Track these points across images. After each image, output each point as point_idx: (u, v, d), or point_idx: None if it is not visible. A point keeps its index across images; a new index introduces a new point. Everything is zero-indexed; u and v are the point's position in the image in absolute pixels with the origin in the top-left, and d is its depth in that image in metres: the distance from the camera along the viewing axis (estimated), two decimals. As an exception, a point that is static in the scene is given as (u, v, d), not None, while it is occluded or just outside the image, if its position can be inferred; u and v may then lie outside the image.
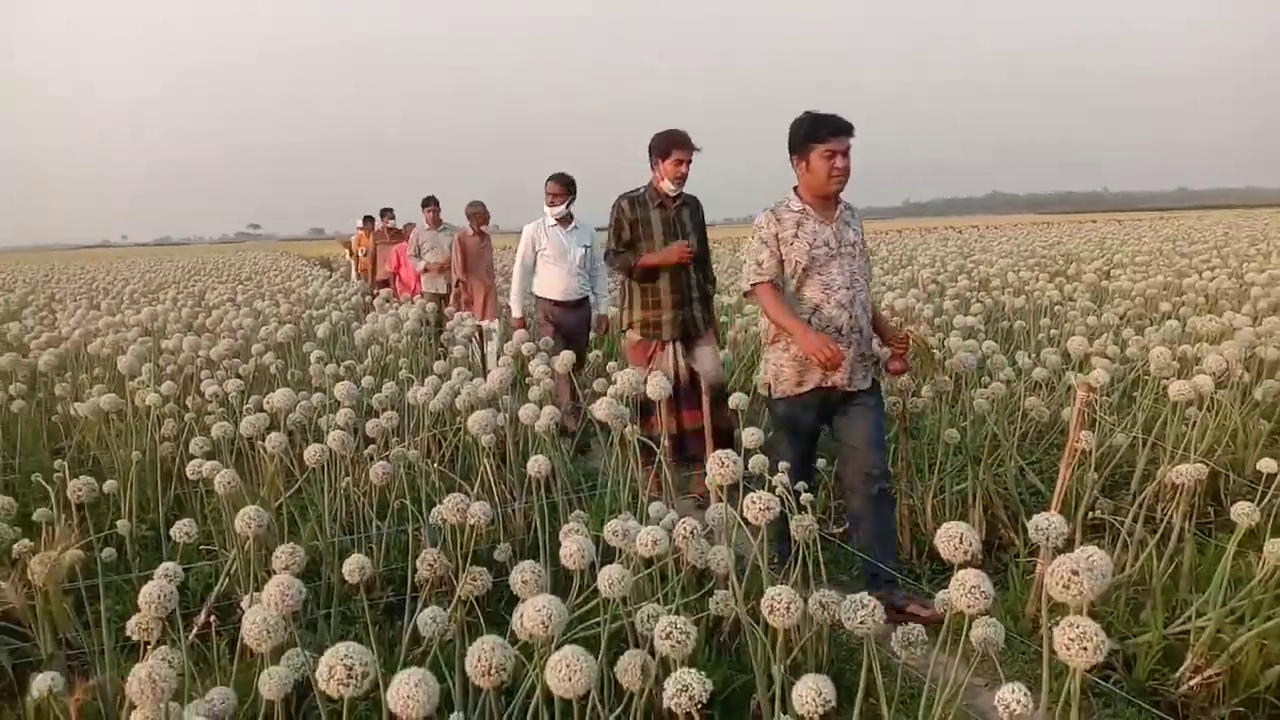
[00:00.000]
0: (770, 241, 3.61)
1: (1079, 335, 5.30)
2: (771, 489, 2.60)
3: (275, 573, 2.22)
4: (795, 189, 3.66)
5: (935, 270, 12.05)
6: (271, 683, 1.77)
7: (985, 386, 4.55)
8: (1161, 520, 3.72)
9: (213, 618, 3.05)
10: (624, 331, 5.08)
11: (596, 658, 2.33)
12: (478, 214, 8.30)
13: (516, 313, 6.48)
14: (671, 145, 4.84)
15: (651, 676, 1.90)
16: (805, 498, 2.78)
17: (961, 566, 1.74)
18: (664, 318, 4.90)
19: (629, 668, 1.89)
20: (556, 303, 6.31)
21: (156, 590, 2.01)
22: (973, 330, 6.41)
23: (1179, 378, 4.12)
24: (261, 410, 4.27)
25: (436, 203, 9.40)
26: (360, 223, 13.47)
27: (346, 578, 2.34)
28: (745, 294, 3.75)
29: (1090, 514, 3.80)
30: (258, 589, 2.51)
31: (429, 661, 2.43)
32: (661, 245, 4.89)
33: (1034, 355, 5.39)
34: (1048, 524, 1.89)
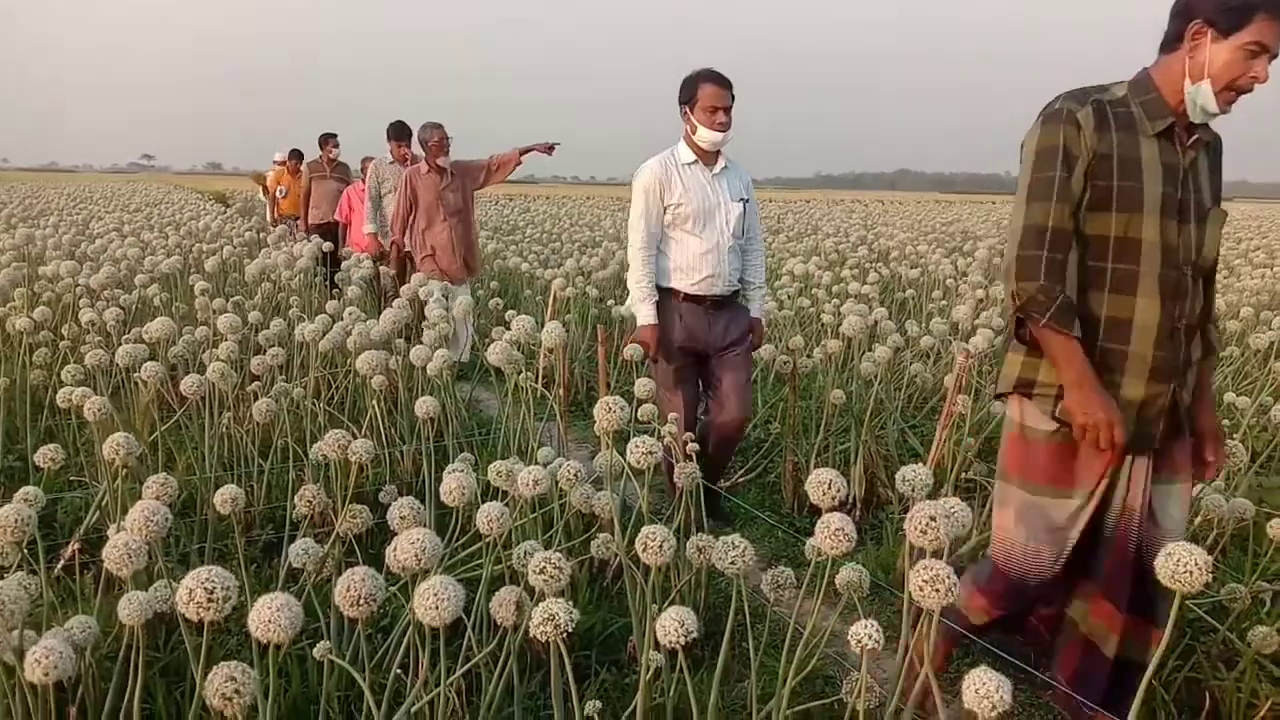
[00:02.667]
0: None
1: (966, 306, 5.48)
2: (659, 437, 2.63)
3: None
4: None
5: (838, 240, 12.29)
6: (130, 607, 1.72)
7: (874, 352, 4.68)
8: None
9: (78, 548, 2.96)
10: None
11: (476, 597, 2.35)
12: (435, 140, 6.30)
13: (647, 318, 3.69)
14: None
15: (526, 613, 1.92)
16: (691, 447, 2.82)
17: (829, 511, 1.80)
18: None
19: (503, 603, 1.90)
20: (690, 296, 3.77)
21: (14, 514, 1.93)
22: (867, 298, 6.56)
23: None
24: (141, 341, 4.12)
25: (408, 134, 7.23)
26: (279, 156, 11.86)
27: (218, 508, 2.29)
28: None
29: (964, 476, 3.96)
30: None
31: (303, 597, 2.40)
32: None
33: (924, 325, 5.56)
34: (914, 475, 1.97)
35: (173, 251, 7.70)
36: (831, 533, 1.71)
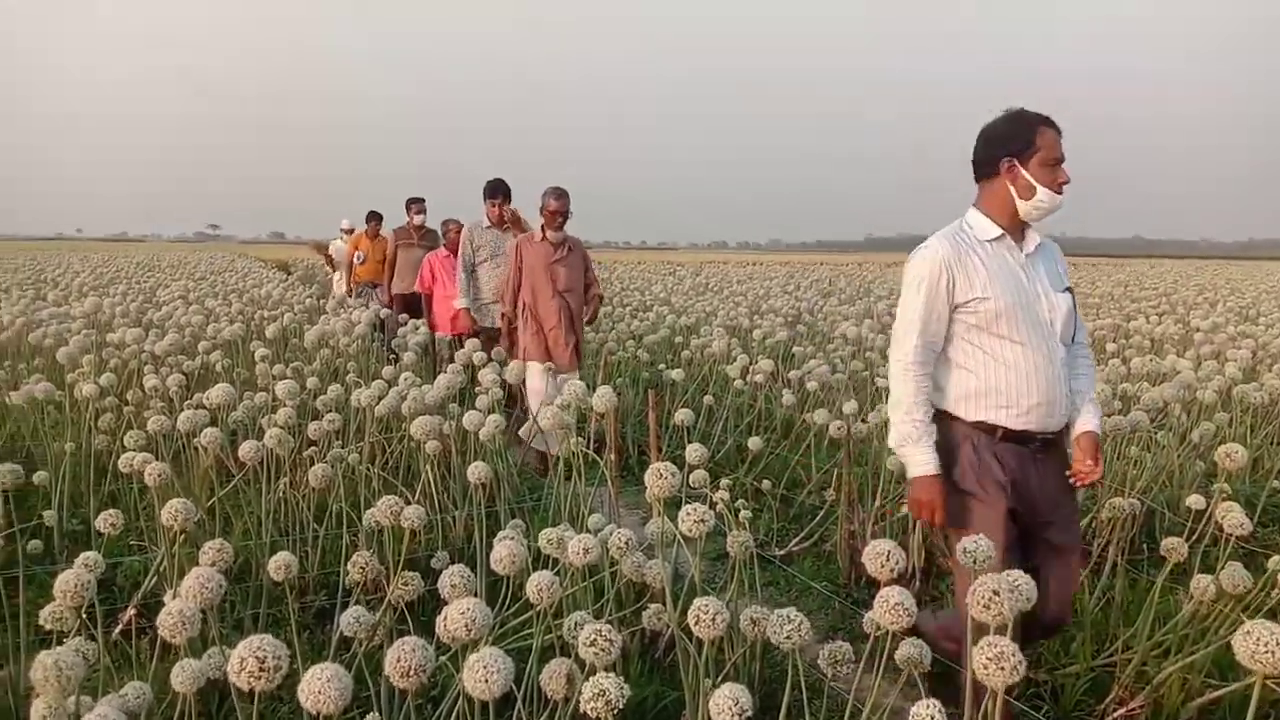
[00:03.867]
0: None
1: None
2: (712, 505, 2.60)
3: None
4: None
5: (891, 303, 12.19)
6: (184, 675, 1.72)
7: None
8: (1096, 554, 3.80)
9: (136, 614, 2.98)
10: None
11: (527, 668, 2.32)
12: (553, 208, 5.64)
13: (924, 466, 2.60)
14: None
15: (577, 685, 1.88)
16: (745, 515, 2.78)
17: (888, 584, 1.75)
18: None
19: (554, 675, 1.87)
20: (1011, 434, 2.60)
21: (74, 579, 1.96)
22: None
23: (1118, 415, 4.19)
24: (201, 407, 4.20)
25: (505, 191, 6.45)
26: (346, 224, 11.04)
27: (272, 575, 2.30)
28: None
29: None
30: (183, 585, 2.46)
31: (355, 666, 2.39)
32: None
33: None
34: (975, 545, 1.91)
35: (235, 318, 7.89)
36: (890, 608, 1.66)
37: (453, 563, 3.53)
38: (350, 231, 10.88)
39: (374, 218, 10.06)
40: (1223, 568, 2.76)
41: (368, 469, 4.19)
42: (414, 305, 8.27)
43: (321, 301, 10.21)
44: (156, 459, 3.05)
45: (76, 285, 12.73)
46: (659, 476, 2.32)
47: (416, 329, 6.63)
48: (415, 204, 8.93)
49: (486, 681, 1.52)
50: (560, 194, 5.69)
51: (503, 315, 6.03)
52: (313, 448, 4.06)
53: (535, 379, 5.56)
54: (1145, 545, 4.23)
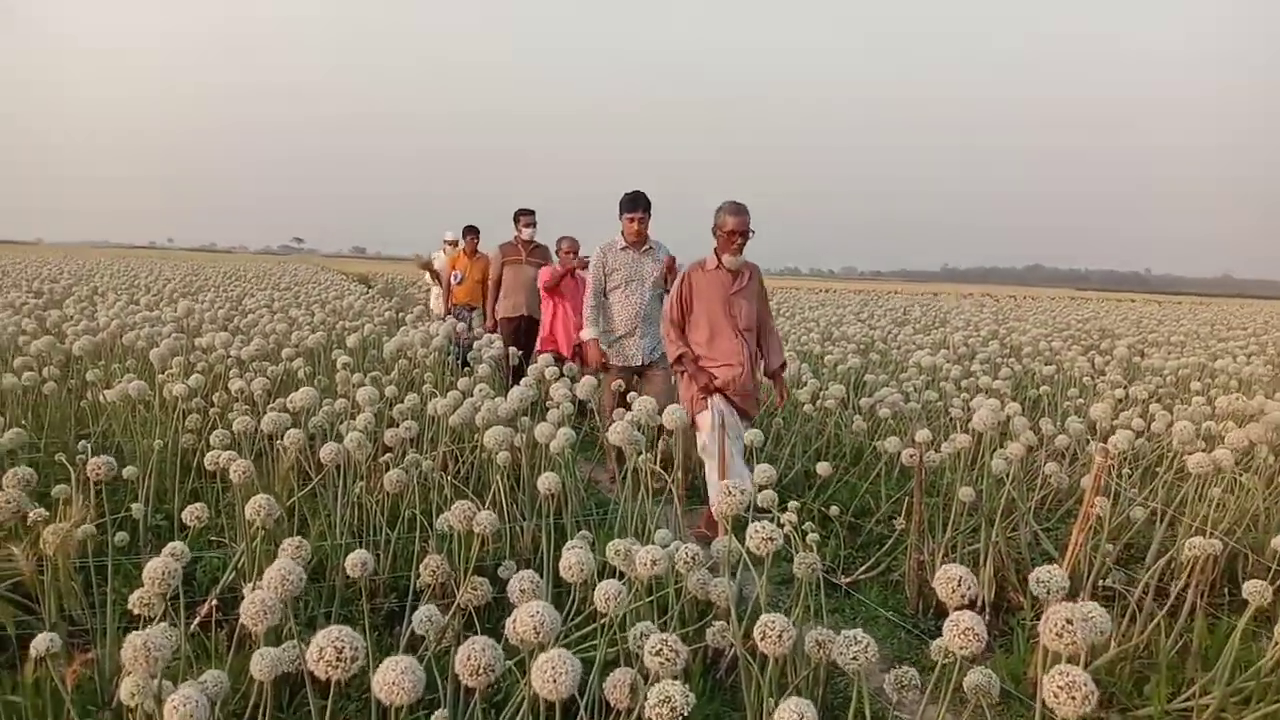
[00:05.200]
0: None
1: (1104, 404, 5.25)
2: (780, 525, 2.60)
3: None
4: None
5: (968, 334, 12.01)
6: (263, 663, 1.78)
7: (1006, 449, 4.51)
8: (1174, 596, 3.68)
9: (215, 607, 3.08)
10: None
11: (590, 678, 2.34)
12: (731, 228, 4.73)
13: None
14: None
15: (640, 695, 1.90)
16: (811, 538, 2.77)
17: (958, 609, 1.73)
18: None
19: (618, 684, 1.89)
20: None
21: (161, 566, 2.04)
22: (998, 393, 6.37)
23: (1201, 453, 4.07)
24: (284, 410, 4.33)
25: (645, 205, 5.69)
26: (451, 235, 10.13)
27: (349, 572, 2.36)
28: None
29: (1102, 584, 3.75)
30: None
31: (424, 665, 2.44)
32: None
33: (1059, 423, 5.35)
34: (1049, 576, 1.88)
35: (317, 328, 8.12)
36: (961, 631, 1.65)
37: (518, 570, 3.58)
38: (454, 244, 9.98)
39: (471, 232, 9.26)
40: (1310, 615, 2.66)
41: (440, 477, 4.27)
42: (521, 331, 7.76)
43: (400, 314, 10.41)
44: (240, 458, 3.15)
45: (168, 291, 13.22)
46: (727, 494, 2.33)
47: (491, 343, 6.71)
48: (525, 215, 8.02)
49: (555, 681, 1.54)
50: (739, 209, 4.71)
51: (681, 355, 4.82)
52: (388, 454, 4.16)
53: (707, 434, 4.67)
54: (1226, 589, 4.09)
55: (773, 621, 1.78)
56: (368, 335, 7.64)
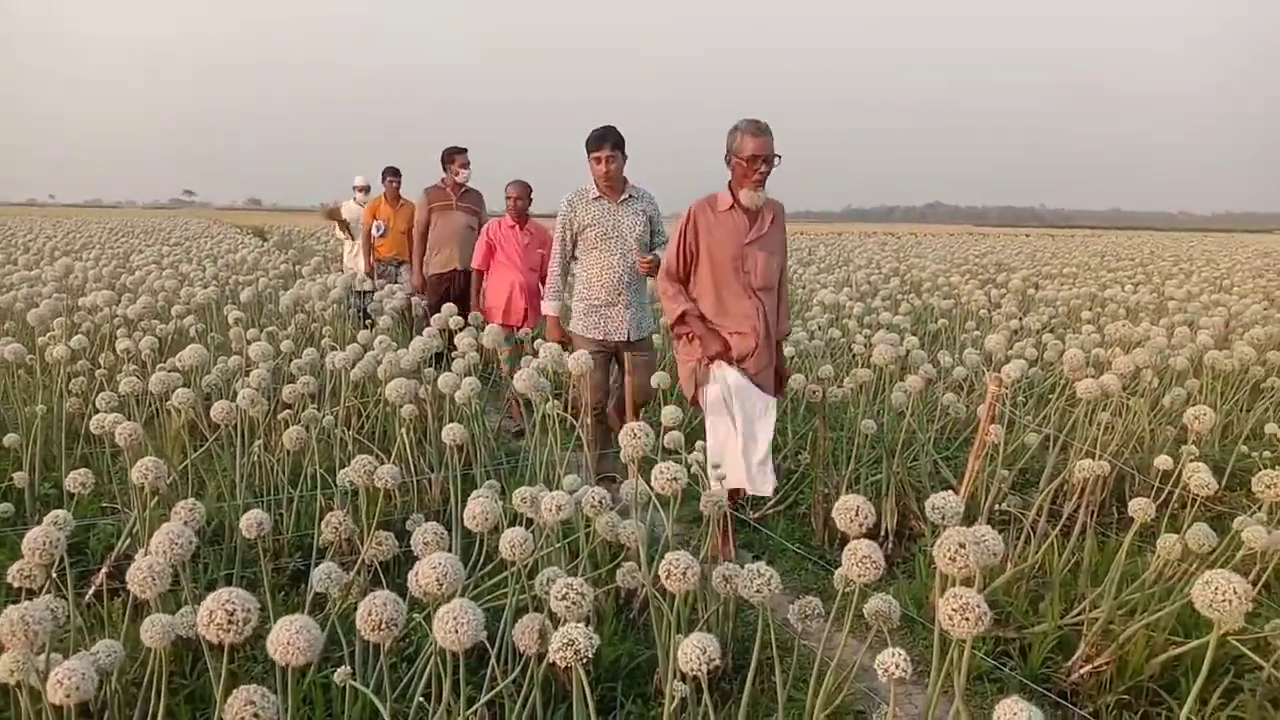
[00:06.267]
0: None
1: (999, 335, 5.41)
2: (687, 466, 2.61)
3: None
4: None
5: (870, 271, 12.23)
6: (154, 630, 1.72)
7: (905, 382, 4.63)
8: (1066, 517, 3.85)
9: (108, 575, 2.97)
10: None
11: (500, 627, 2.33)
12: (753, 149, 3.65)
13: None
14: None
15: (549, 639, 1.89)
16: (715, 473, 2.79)
17: (857, 538, 1.76)
18: None
19: (526, 630, 1.88)
20: None
21: (42, 536, 1.95)
22: (898, 328, 6.51)
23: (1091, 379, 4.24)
24: (175, 370, 4.16)
25: (613, 140, 4.55)
26: (361, 181, 9.00)
27: (244, 533, 2.30)
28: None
29: (998, 507, 3.89)
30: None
31: (328, 625, 2.39)
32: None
33: (956, 356, 5.50)
34: (944, 503, 1.93)
35: (209, 283, 7.81)
36: (859, 559, 1.68)
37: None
38: (365, 190, 8.94)
39: (392, 174, 8.02)
40: (1189, 528, 2.80)
41: (343, 433, 4.18)
42: (454, 288, 6.75)
43: (298, 266, 10.10)
44: (129, 421, 3.02)
45: (48, 250, 12.56)
46: (633, 437, 2.32)
47: (392, 293, 6.55)
48: (458, 155, 6.89)
49: (456, 632, 1.52)
50: (760, 128, 3.66)
51: (685, 316, 3.85)
52: (287, 411, 4.04)
53: (719, 415, 3.77)
54: (1115, 508, 4.29)
55: (677, 559, 1.79)
56: (262, 289, 7.39)
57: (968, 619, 1.51)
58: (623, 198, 4.66)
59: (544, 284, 5.38)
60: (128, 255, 11.89)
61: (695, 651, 1.57)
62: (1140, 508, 2.90)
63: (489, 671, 2.27)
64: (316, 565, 2.96)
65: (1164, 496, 3.28)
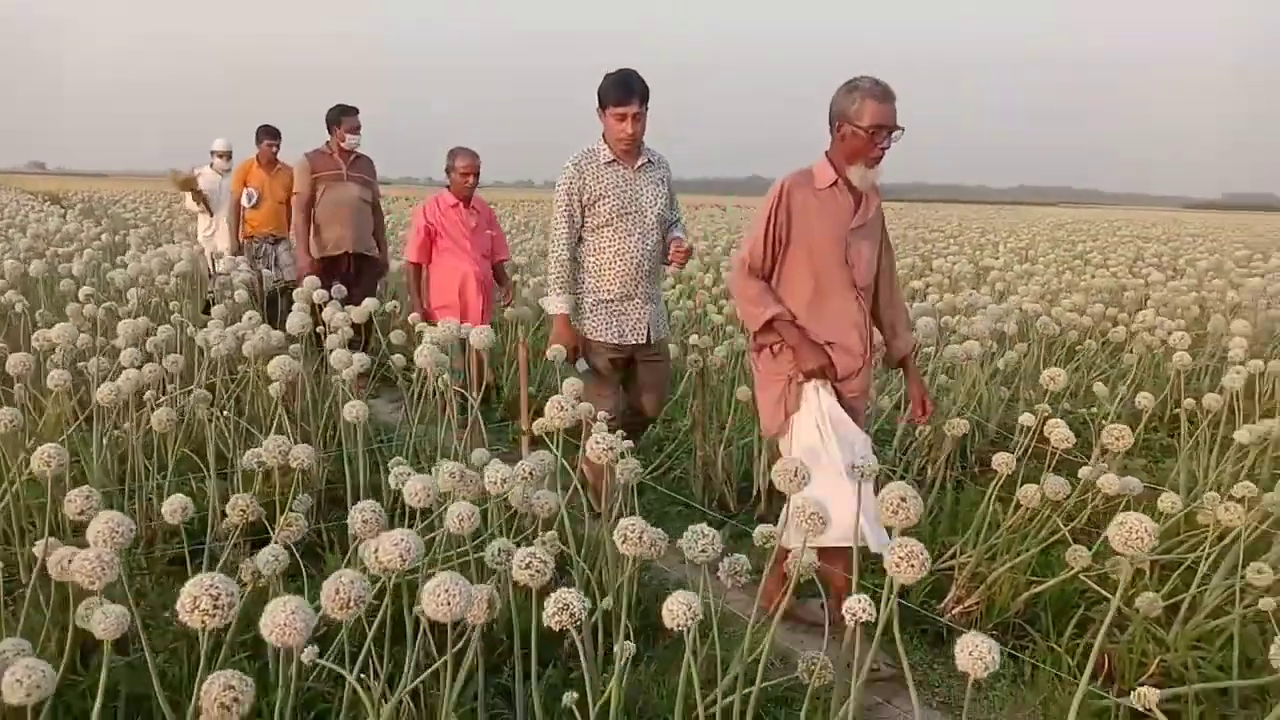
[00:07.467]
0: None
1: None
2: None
3: (68, 519, 2.08)
4: None
5: (709, 244, 12.59)
6: (107, 622, 1.65)
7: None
8: (917, 472, 4.20)
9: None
10: None
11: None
12: (877, 114, 2.86)
13: None
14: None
15: (497, 609, 1.95)
16: (626, 444, 2.88)
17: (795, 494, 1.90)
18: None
19: (476, 600, 1.92)
20: None
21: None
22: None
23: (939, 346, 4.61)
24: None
25: (645, 96, 3.77)
26: (221, 145, 7.76)
27: (168, 519, 2.22)
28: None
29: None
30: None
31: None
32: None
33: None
34: (791, 465, 2.04)
35: (29, 256, 7.21)
36: (808, 517, 1.81)
37: (316, 504, 3.49)
38: (227, 156, 7.72)
39: (270, 135, 6.94)
40: (1045, 479, 3.11)
41: (210, 412, 4.00)
42: (348, 272, 5.90)
43: (119, 238, 9.45)
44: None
45: None
46: (559, 409, 2.40)
47: (238, 265, 6.23)
48: (348, 117, 5.96)
49: (449, 605, 1.56)
50: (886, 93, 2.91)
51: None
52: (147, 391, 3.83)
53: (808, 426, 2.98)
54: (960, 464, 4.67)
55: (633, 524, 1.87)
56: (88, 263, 6.86)
57: (913, 565, 1.67)
58: (640, 163, 3.84)
59: (498, 276, 5.22)
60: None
61: (555, 608, 1.69)
62: (1003, 461, 3.20)
63: (418, 638, 2.28)
64: (206, 548, 2.88)
65: (1020, 451, 3.61)
